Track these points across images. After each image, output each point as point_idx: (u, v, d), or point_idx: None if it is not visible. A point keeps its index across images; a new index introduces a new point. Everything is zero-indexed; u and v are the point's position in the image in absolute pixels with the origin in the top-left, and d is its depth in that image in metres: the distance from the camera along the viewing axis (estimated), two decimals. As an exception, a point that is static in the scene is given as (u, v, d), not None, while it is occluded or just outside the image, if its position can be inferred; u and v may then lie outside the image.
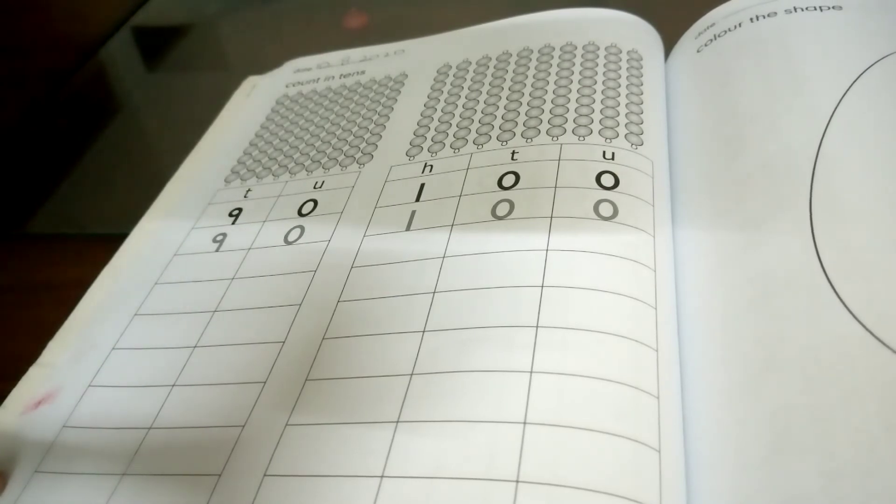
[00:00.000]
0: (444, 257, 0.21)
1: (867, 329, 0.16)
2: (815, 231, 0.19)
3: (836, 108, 0.22)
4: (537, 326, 0.18)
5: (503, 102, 0.27)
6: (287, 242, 0.24)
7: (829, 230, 0.19)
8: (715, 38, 0.28)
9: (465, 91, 0.28)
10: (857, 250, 0.18)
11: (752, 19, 0.27)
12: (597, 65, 0.27)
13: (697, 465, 0.16)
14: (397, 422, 0.17)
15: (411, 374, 0.18)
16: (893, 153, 0.20)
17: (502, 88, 0.28)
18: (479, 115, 0.27)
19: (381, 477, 0.16)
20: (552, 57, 0.29)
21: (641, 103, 0.26)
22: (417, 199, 0.24)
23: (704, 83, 0.26)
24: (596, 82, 0.26)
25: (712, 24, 0.28)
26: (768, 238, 0.19)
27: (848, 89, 0.22)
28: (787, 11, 0.27)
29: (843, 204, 0.19)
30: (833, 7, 0.26)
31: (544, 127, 0.25)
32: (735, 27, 0.27)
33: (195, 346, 0.21)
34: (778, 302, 0.18)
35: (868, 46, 0.24)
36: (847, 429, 0.15)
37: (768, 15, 0.27)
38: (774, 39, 0.26)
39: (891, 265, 0.17)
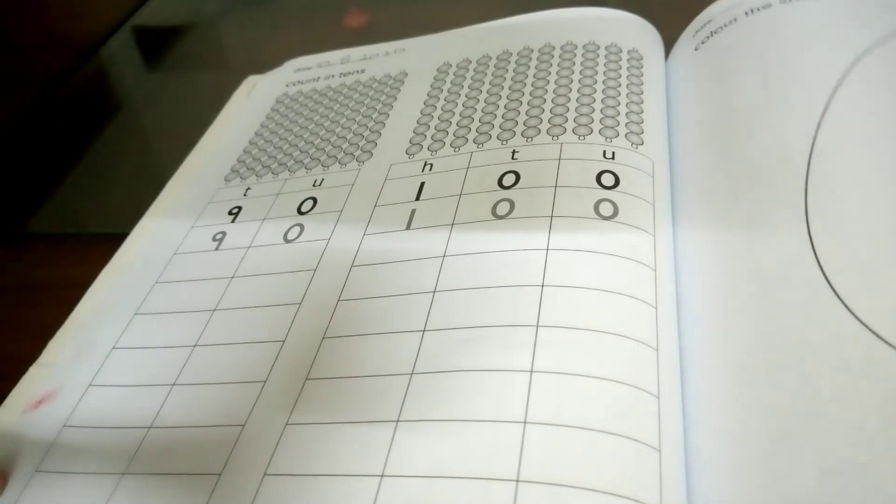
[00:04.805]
0: (444, 256, 0.21)
1: (863, 324, 0.16)
2: (810, 226, 0.19)
3: (830, 98, 0.21)
4: (537, 326, 0.18)
5: (503, 101, 0.27)
6: (286, 241, 0.24)
7: (825, 224, 0.19)
8: (711, 35, 0.28)
9: (465, 90, 0.28)
10: (853, 244, 0.18)
11: (746, 13, 0.27)
12: (597, 64, 0.27)
13: (697, 465, 0.16)
14: (397, 421, 0.17)
15: (411, 374, 0.18)
16: (889, 143, 0.20)
17: (502, 87, 0.28)
18: (479, 114, 0.27)
19: (381, 476, 0.16)
20: (552, 56, 0.28)
21: (642, 102, 0.25)
22: (417, 198, 0.24)
23: (702, 81, 0.26)
24: (596, 81, 0.26)
25: (709, 21, 0.28)
26: (765, 235, 0.19)
27: (843, 79, 0.22)
28: (782, 1, 0.26)
29: (839, 197, 0.19)
30: None
31: (544, 126, 0.25)
32: (730, 22, 0.27)
33: (195, 346, 0.21)
34: (775, 299, 0.18)
35: (863, 33, 0.23)
36: (844, 425, 0.15)
37: (763, 7, 0.26)
38: (769, 32, 0.26)
39: (887, 258, 0.17)
